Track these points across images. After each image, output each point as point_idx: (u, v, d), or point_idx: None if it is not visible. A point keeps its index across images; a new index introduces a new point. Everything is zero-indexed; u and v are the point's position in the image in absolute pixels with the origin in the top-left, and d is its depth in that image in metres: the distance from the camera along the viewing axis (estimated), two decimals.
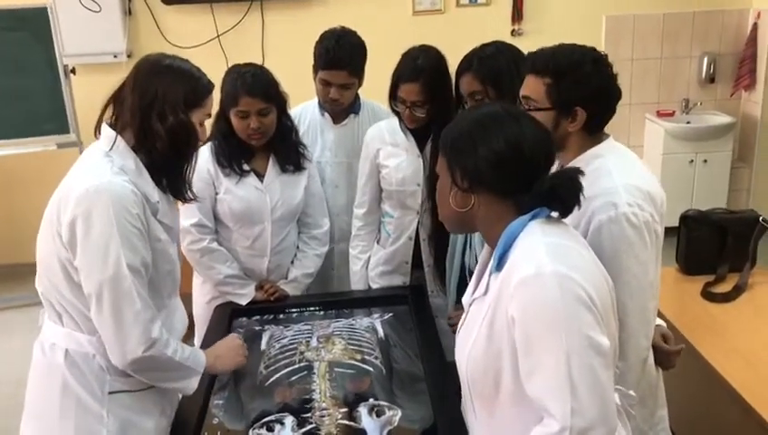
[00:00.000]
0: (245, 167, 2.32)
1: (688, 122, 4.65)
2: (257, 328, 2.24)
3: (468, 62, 2.02)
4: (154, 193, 1.66)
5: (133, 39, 4.30)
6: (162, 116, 1.61)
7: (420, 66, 2.16)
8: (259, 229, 2.34)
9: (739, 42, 4.66)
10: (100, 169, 1.59)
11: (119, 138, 1.63)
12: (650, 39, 4.59)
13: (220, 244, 2.35)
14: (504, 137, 1.31)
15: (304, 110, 2.57)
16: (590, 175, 1.42)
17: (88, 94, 4.17)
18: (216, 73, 4.09)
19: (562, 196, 1.29)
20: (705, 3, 4.61)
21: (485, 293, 1.36)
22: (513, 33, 4.54)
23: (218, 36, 4.34)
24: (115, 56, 4.22)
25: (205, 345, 2.02)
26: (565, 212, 1.33)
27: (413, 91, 2.16)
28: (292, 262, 2.46)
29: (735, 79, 4.69)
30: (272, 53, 4.38)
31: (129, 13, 4.26)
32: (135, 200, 1.59)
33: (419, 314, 2.25)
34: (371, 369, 1.98)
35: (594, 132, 1.63)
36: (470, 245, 2.10)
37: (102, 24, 4.12)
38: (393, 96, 2.22)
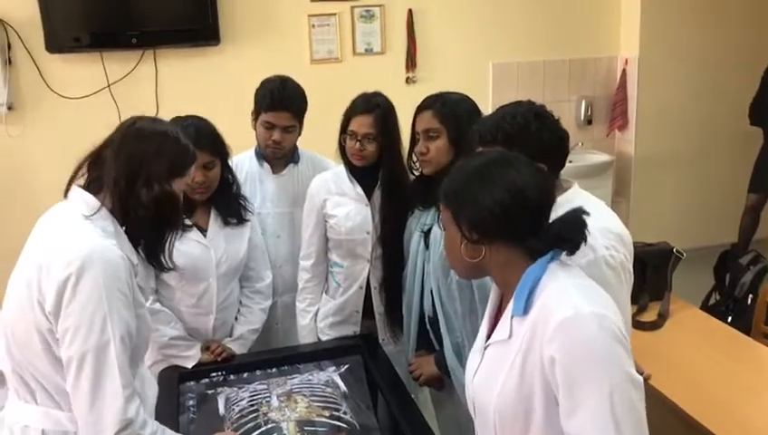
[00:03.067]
0: (187, 221, 2.22)
1: (570, 161, 4.90)
2: (209, 392, 2.11)
3: (432, 101, 2.06)
4: (133, 256, 1.58)
5: (14, 90, 4.01)
6: (148, 185, 1.56)
7: (374, 102, 2.23)
8: (204, 286, 2.24)
9: (611, 86, 5.06)
10: (87, 234, 1.50)
11: (95, 201, 1.55)
12: (533, 84, 4.89)
13: (162, 304, 2.22)
14: (506, 186, 1.34)
15: (241, 161, 2.50)
16: None
17: None
18: (107, 123, 3.93)
19: (570, 236, 1.34)
20: (579, 51, 4.97)
21: (510, 337, 1.36)
22: (407, 80, 4.67)
23: (109, 86, 4.14)
24: None
25: (157, 416, 1.89)
26: (574, 250, 1.37)
27: (366, 123, 2.19)
28: (236, 318, 2.36)
29: (610, 120, 5.08)
30: (166, 103, 4.23)
31: (10, 62, 3.97)
32: (124, 266, 1.51)
33: (376, 362, 2.23)
34: (344, 425, 1.93)
35: (556, 177, 1.72)
36: (427, 291, 2.11)
37: None
38: (344, 130, 2.24)
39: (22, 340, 1.52)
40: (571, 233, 1.34)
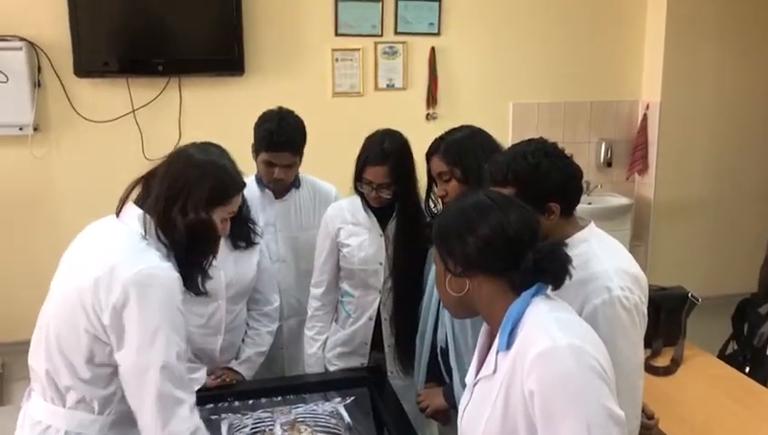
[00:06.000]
0: None
1: (589, 203, 4.91)
2: (213, 417, 2.10)
3: (436, 145, 2.07)
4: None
5: (42, 111, 4.07)
6: (183, 210, 1.62)
7: (387, 150, 2.21)
8: (213, 307, 2.25)
9: (632, 129, 5.04)
10: (147, 253, 1.59)
11: (150, 221, 1.62)
12: (553, 125, 4.89)
13: None
14: (488, 221, 1.38)
15: None
16: (579, 258, 1.47)
17: None
18: (130, 148, 3.95)
19: (548, 267, 1.34)
20: (600, 94, 4.97)
21: (494, 371, 1.37)
22: (427, 117, 4.68)
23: (134, 111, 4.20)
24: (21, 129, 3.98)
25: None
26: (557, 283, 1.37)
27: (380, 173, 2.19)
28: (244, 340, 2.36)
29: (630, 163, 5.05)
30: (189, 130, 4.27)
31: (39, 84, 4.04)
32: (180, 287, 1.61)
33: (383, 395, 2.20)
34: None
35: (570, 215, 1.70)
36: (441, 322, 2.09)
37: (9, 96, 3.89)
38: (359, 178, 2.23)
39: (67, 345, 1.59)
40: (549, 264, 1.34)
